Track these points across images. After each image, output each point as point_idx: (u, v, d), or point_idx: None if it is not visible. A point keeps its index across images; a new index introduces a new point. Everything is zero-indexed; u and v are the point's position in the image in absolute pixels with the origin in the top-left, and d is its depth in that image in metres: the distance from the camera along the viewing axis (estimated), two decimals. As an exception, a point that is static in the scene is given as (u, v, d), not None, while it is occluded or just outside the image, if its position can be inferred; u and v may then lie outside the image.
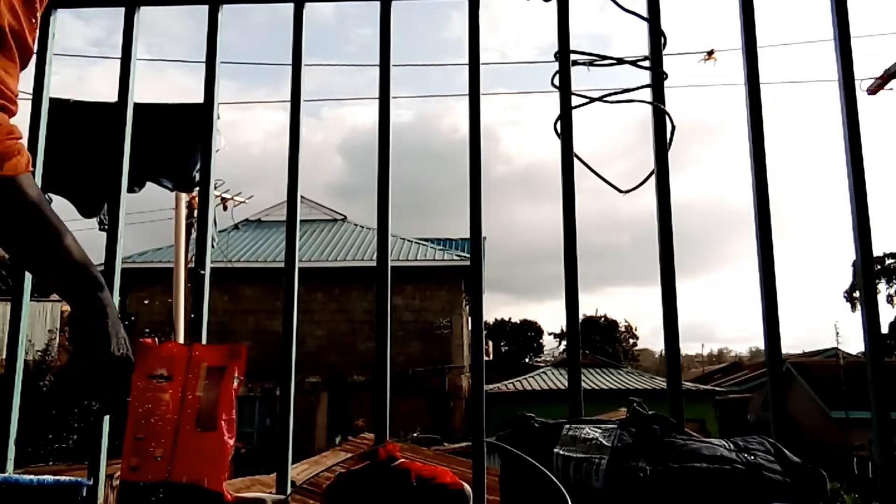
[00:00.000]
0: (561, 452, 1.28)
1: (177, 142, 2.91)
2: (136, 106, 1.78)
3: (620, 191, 1.72)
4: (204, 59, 1.76)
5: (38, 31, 1.06)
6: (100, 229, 2.56)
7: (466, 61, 1.67)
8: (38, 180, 1.60)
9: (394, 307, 2.15)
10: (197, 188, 3.14)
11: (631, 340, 38.63)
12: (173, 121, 2.91)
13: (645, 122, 1.63)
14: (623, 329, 37.56)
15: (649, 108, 1.62)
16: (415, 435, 13.21)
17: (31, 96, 1.71)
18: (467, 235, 1.63)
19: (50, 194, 2.87)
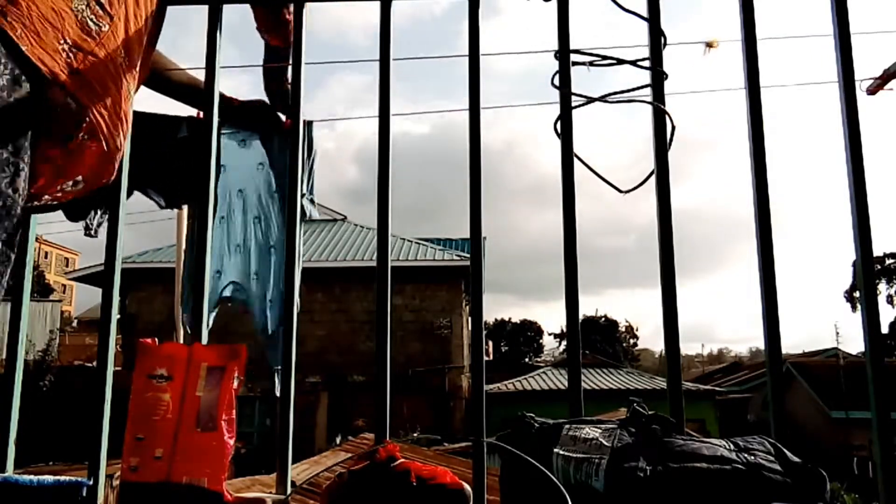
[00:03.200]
0: (561, 452, 1.28)
1: (172, 154, 2.85)
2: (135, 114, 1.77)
3: (620, 191, 1.72)
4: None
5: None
6: (84, 234, 2.53)
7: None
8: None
9: (394, 307, 2.15)
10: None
11: (631, 340, 38.60)
12: (170, 131, 2.86)
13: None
14: (623, 329, 37.53)
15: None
16: (415, 435, 13.19)
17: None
18: (468, 235, 1.63)
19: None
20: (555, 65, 1.67)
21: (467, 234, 1.63)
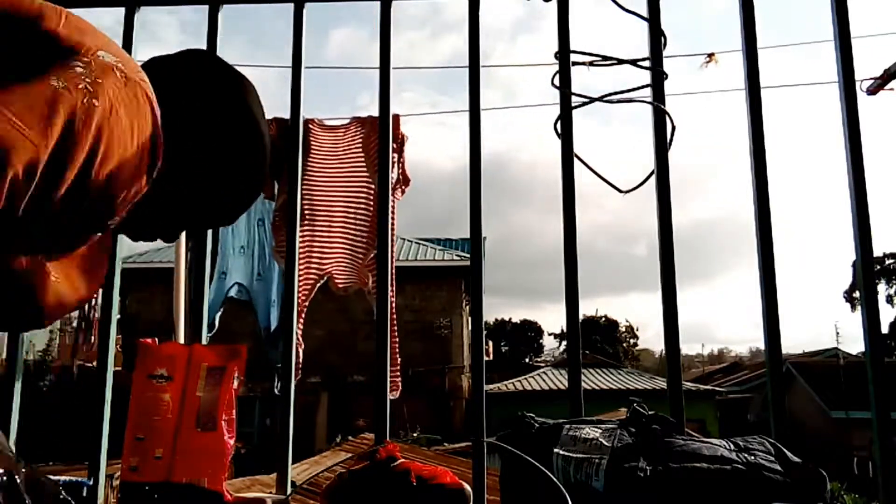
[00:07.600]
0: (561, 452, 1.28)
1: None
2: None
3: (620, 191, 1.72)
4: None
5: None
6: None
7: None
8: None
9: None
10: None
11: (632, 340, 38.55)
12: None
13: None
14: (623, 329, 37.49)
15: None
16: (415, 435, 13.19)
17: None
18: (472, 236, 1.63)
19: None
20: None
21: (472, 235, 1.62)
